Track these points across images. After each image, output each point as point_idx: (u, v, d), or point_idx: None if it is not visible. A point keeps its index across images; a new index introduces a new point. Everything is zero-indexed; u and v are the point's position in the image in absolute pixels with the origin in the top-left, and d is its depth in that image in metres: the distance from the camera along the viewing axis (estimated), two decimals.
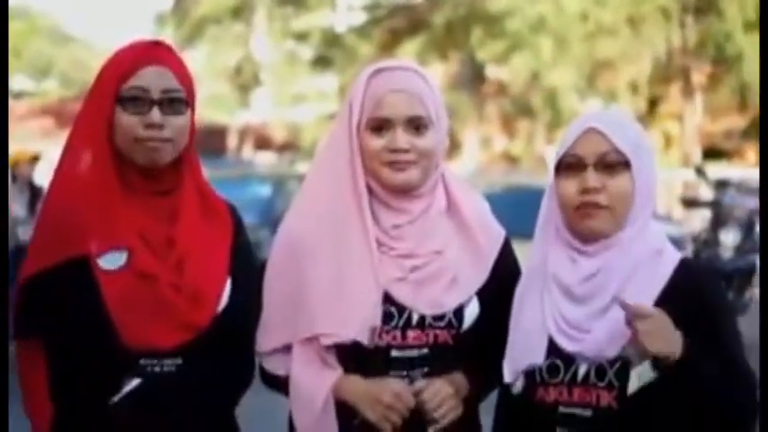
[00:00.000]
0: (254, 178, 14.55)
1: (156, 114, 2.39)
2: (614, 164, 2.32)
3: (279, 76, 30.93)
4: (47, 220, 2.46)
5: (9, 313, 2.54)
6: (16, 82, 30.25)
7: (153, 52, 2.43)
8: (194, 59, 31.88)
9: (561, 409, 2.33)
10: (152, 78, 2.40)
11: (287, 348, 2.50)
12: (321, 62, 30.33)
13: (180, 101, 2.42)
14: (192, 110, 2.47)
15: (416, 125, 2.47)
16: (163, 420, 2.39)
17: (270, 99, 32.03)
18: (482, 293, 2.53)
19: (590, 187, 2.31)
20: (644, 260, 2.34)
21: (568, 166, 2.34)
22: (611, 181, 2.32)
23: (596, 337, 2.30)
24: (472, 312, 2.52)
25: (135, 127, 2.39)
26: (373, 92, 2.48)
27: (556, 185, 2.37)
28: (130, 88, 2.40)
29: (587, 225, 2.33)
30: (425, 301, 2.48)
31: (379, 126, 2.47)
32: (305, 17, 30.84)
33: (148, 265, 2.38)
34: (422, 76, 2.50)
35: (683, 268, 2.35)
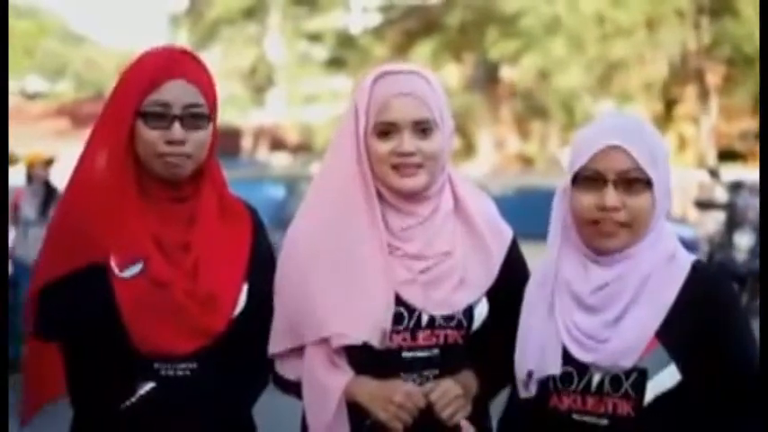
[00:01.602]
0: (268, 179, 14.57)
1: (177, 131, 2.37)
2: (635, 181, 2.29)
3: (292, 77, 30.97)
4: (63, 227, 2.46)
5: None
6: (31, 83, 30.34)
7: (177, 64, 2.40)
8: (208, 60, 31.98)
9: (575, 417, 2.33)
10: (175, 93, 2.38)
11: (299, 353, 2.50)
12: (335, 63, 30.37)
13: (201, 116, 2.41)
14: (214, 122, 2.45)
15: (422, 128, 2.48)
16: (178, 423, 2.40)
17: (284, 100, 32.07)
18: (490, 293, 2.54)
19: (609, 206, 2.28)
20: (657, 267, 2.32)
21: (587, 179, 2.31)
22: (630, 199, 2.29)
23: (612, 347, 2.28)
24: (481, 312, 2.53)
25: (156, 142, 2.38)
26: (378, 96, 2.48)
27: (573, 197, 2.33)
28: (152, 103, 2.38)
29: (605, 244, 2.31)
30: (435, 301, 2.49)
31: (386, 130, 2.48)
32: (318, 18, 30.87)
33: (163, 272, 2.39)
34: (426, 79, 2.50)
35: (696, 274, 2.33)
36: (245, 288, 2.47)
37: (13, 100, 23.60)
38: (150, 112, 2.38)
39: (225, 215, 2.49)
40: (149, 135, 2.38)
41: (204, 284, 2.40)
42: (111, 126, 2.41)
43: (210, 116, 2.43)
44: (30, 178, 9.51)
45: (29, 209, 9.17)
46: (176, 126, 2.37)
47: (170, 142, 2.38)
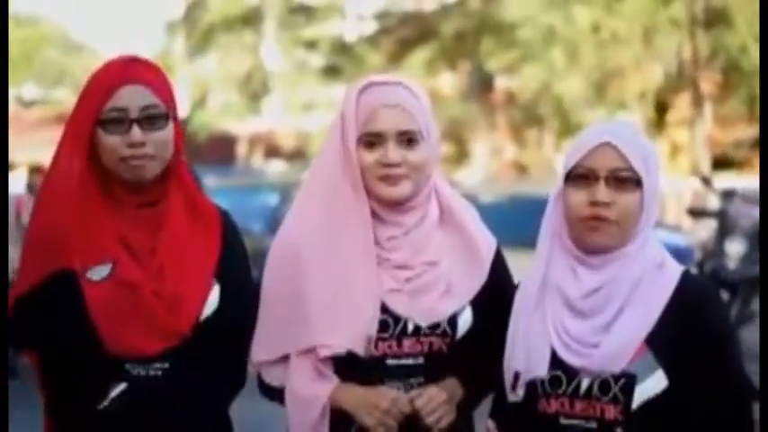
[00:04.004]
0: (263, 187, 14.59)
1: (136, 133, 2.44)
2: (626, 180, 2.33)
3: (288, 85, 30.96)
4: (34, 236, 2.52)
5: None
6: (28, 91, 30.30)
7: (128, 71, 2.47)
8: (205, 67, 31.94)
9: (562, 420, 2.36)
10: (129, 97, 2.45)
11: (284, 360, 2.54)
12: (330, 71, 30.35)
13: (159, 116, 2.47)
14: (176, 120, 2.51)
15: (408, 139, 2.51)
16: (151, 424, 2.44)
17: (280, 107, 32.03)
18: (475, 302, 2.57)
19: (600, 201, 2.32)
20: (646, 274, 2.36)
21: (579, 176, 2.35)
22: (620, 197, 2.33)
23: (602, 352, 2.32)
24: (466, 321, 2.56)
25: (118, 147, 2.45)
26: (364, 107, 2.53)
27: (565, 195, 2.38)
28: (109, 110, 2.45)
29: (593, 239, 2.35)
30: (420, 310, 2.53)
31: (372, 141, 2.52)
32: (314, 26, 30.86)
33: (131, 273, 2.44)
34: (411, 91, 2.55)
35: (685, 283, 2.37)
36: (216, 289, 2.51)
37: (10, 108, 23.54)
38: (108, 119, 2.45)
39: (194, 216, 2.54)
40: (110, 141, 2.45)
41: (170, 285, 2.46)
42: (72, 138, 2.48)
43: (170, 115, 2.49)
44: (31, 186, 9.56)
45: (28, 217, 9.20)
46: (135, 129, 2.44)
47: (131, 145, 2.44)
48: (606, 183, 2.33)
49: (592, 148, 2.34)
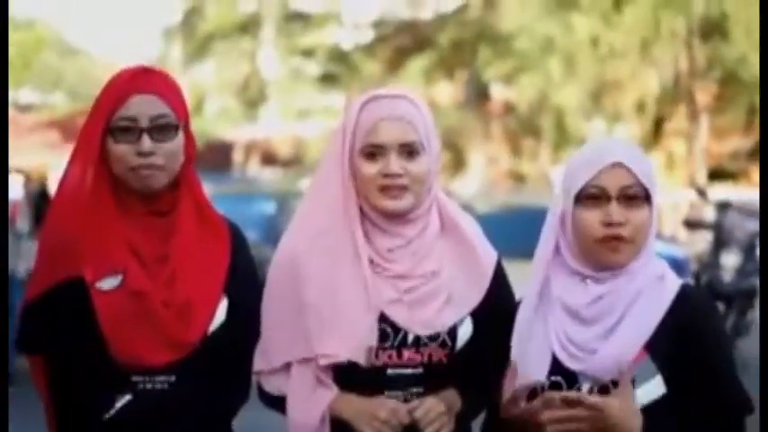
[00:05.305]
0: (259, 195, 14.59)
1: (146, 143, 2.43)
2: (635, 197, 2.36)
3: (285, 92, 31.02)
4: (47, 243, 2.51)
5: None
6: (24, 95, 30.31)
7: (140, 81, 2.46)
8: (202, 74, 31.98)
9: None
10: (140, 107, 2.44)
11: (285, 368, 2.54)
12: (327, 79, 30.42)
13: (169, 126, 2.46)
14: (186, 130, 2.51)
15: (409, 151, 2.52)
16: None
17: (276, 114, 32.09)
18: (475, 314, 2.57)
19: (614, 221, 2.35)
20: (647, 285, 2.39)
21: (591, 196, 2.38)
22: (631, 214, 2.36)
23: (602, 357, 2.34)
24: (465, 332, 2.56)
25: (127, 156, 2.44)
26: (366, 119, 2.53)
27: (576, 215, 2.39)
28: (120, 119, 2.44)
29: (612, 259, 2.37)
30: (420, 321, 2.53)
31: (373, 152, 2.53)
32: (311, 34, 30.93)
33: (141, 282, 2.43)
34: (413, 103, 2.56)
35: (684, 296, 2.40)
36: (224, 302, 2.51)
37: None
38: (118, 127, 2.45)
39: (204, 228, 2.54)
40: (119, 150, 2.45)
41: (181, 295, 2.45)
42: (84, 147, 2.48)
43: (180, 126, 2.49)
44: (28, 193, 9.57)
45: (22, 222, 9.18)
46: (145, 138, 2.44)
47: (141, 154, 2.44)
48: (617, 201, 2.36)
49: (602, 168, 2.37)
